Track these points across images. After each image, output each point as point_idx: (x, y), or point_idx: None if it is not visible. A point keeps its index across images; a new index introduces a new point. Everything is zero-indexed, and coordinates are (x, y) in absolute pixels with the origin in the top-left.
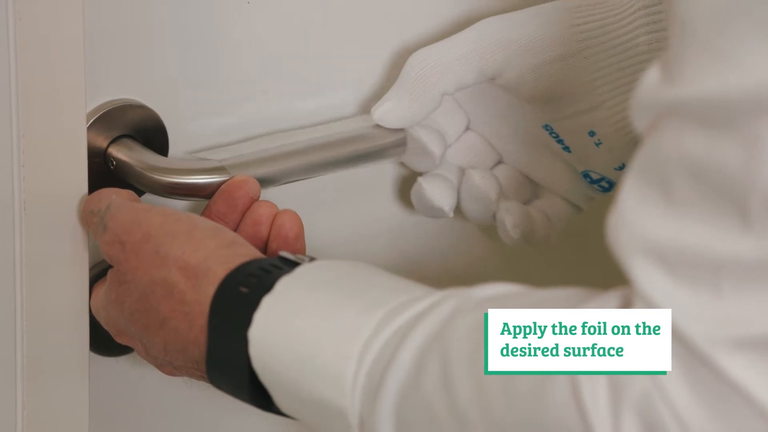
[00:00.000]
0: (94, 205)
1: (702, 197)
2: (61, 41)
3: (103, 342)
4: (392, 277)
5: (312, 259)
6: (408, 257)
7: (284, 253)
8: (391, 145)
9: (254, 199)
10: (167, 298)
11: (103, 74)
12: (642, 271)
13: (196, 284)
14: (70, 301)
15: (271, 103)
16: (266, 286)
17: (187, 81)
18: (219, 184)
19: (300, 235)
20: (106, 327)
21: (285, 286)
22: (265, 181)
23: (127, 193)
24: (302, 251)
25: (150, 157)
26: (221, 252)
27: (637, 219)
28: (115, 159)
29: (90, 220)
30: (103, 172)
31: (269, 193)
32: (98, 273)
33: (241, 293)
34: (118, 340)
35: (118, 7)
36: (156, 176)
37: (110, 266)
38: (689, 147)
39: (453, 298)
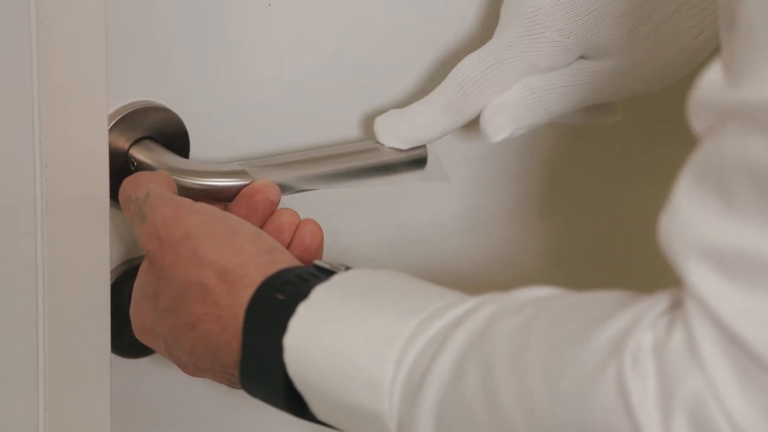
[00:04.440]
0: (131, 192)
1: (763, 202)
2: (83, 43)
3: (124, 344)
4: (427, 284)
5: (347, 268)
6: (431, 263)
7: (319, 262)
8: (412, 159)
9: (274, 204)
10: (201, 301)
11: (125, 76)
12: (697, 274)
13: (231, 289)
14: (92, 303)
15: (295, 105)
16: (302, 294)
17: (209, 83)
18: (239, 188)
19: (320, 245)
20: (132, 320)
21: (321, 293)
22: (285, 187)
23: (164, 179)
24: (320, 259)
25: (171, 159)
26: (259, 258)
27: (693, 221)
28: (137, 161)
29: (127, 206)
30: (125, 174)
31: (290, 198)
32: (120, 274)
33: (278, 300)
34: (139, 336)
35: (140, 8)
36: (177, 178)
37: (130, 267)
38: (753, 152)
39: (491, 303)
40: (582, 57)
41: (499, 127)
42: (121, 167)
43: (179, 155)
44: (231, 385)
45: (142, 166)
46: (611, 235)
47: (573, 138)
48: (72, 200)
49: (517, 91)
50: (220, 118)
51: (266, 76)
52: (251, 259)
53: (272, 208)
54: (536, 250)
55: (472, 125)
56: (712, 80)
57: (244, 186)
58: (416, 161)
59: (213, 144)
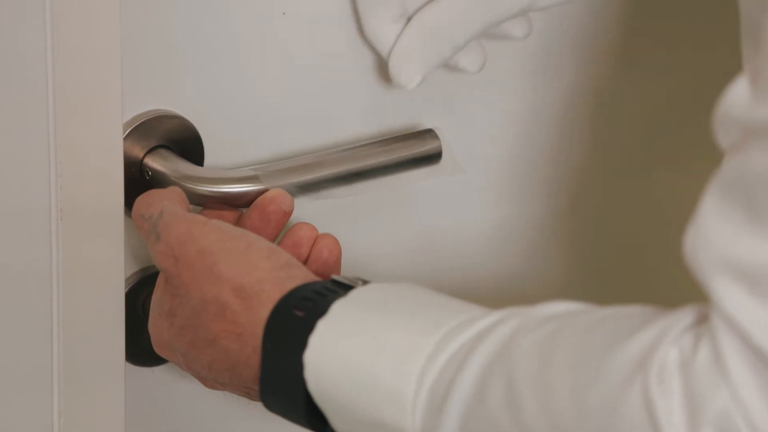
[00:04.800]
0: (145, 209)
1: None
2: (98, 51)
3: (138, 352)
4: (448, 298)
5: (365, 282)
6: (453, 275)
7: (337, 277)
8: (426, 153)
9: (288, 214)
10: (219, 318)
11: (140, 85)
12: (724, 290)
13: (249, 306)
14: (106, 311)
15: (307, 111)
16: (321, 310)
17: (223, 92)
18: (253, 193)
19: (338, 259)
20: (150, 335)
21: (340, 308)
22: (300, 190)
23: (177, 195)
24: (338, 274)
25: (185, 167)
26: (276, 274)
27: (720, 237)
28: (151, 169)
29: (141, 224)
30: (139, 182)
31: (307, 210)
32: (134, 283)
33: (296, 316)
34: (158, 351)
35: (155, 17)
36: (191, 186)
37: (145, 276)
38: None
39: (514, 318)
40: None
41: (411, 73)
42: (135, 176)
43: (193, 163)
44: (250, 397)
45: (156, 175)
46: (638, 250)
47: (603, 150)
48: (87, 209)
49: (415, 33)
50: (234, 125)
51: (279, 84)
52: (267, 274)
53: (286, 218)
54: (561, 263)
55: (493, 131)
56: (737, 96)
57: (259, 191)
58: (431, 156)
59: (227, 151)
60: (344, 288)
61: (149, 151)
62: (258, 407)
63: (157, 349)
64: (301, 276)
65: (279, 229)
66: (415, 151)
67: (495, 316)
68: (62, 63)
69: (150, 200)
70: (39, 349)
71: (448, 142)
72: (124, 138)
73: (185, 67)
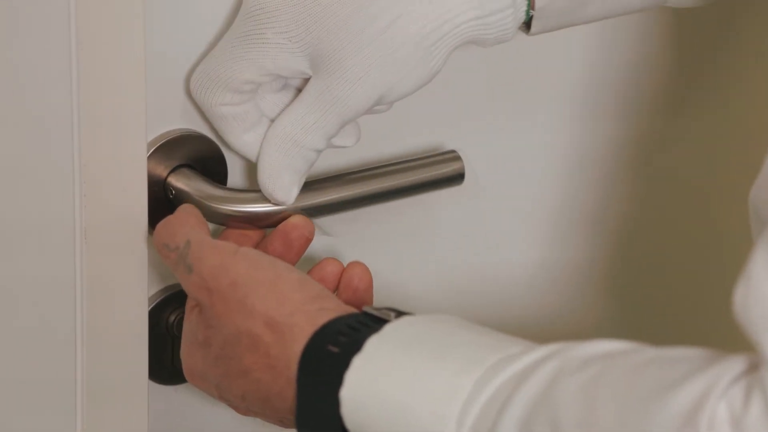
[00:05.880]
0: (169, 240)
1: None
2: (122, 71)
3: (162, 370)
4: (482, 331)
5: (398, 314)
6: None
7: (369, 309)
8: (448, 175)
9: (309, 240)
10: (252, 350)
11: (164, 104)
12: None
13: (281, 339)
14: (130, 329)
15: None
16: (356, 346)
17: None
18: (275, 214)
19: (370, 286)
20: (183, 364)
21: (375, 345)
22: (321, 209)
23: (197, 221)
24: (370, 302)
25: (208, 187)
26: (307, 307)
27: None
28: (174, 188)
29: (166, 254)
30: (162, 201)
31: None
32: (158, 301)
33: (331, 353)
34: (190, 380)
35: (179, 36)
36: (214, 205)
37: (168, 294)
38: None
39: (554, 358)
40: (312, 72)
41: (285, 189)
42: (159, 195)
43: (216, 182)
44: (283, 425)
45: (179, 194)
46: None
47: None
48: (111, 228)
49: (275, 148)
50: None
51: None
52: (299, 307)
53: (307, 244)
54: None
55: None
56: None
57: (281, 212)
58: (453, 177)
59: (250, 170)
60: (377, 321)
61: (173, 170)
62: (278, 428)
63: (189, 379)
64: (333, 308)
65: (300, 255)
66: (436, 173)
67: (533, 355)
68: (87, 82)
69: (172, 230)
70: (63, 368)
71: (471, 164)
72: (148, 157)
73: None
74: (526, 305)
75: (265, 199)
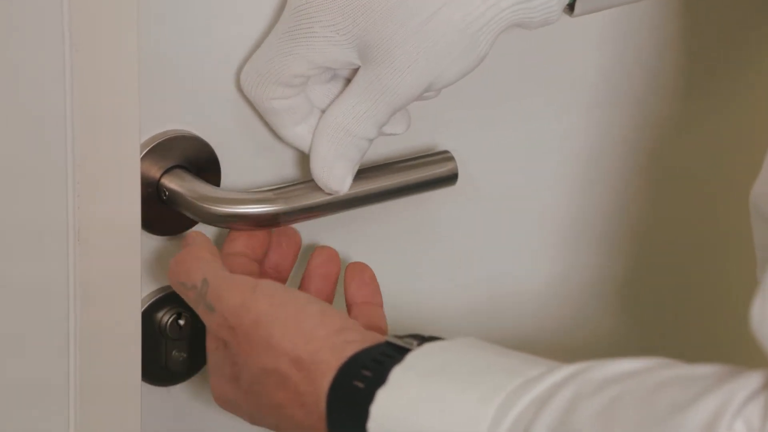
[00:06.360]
0: (185, 278)
1: None
2: (116, 72)
3: (154, 372)
4: (501, 352)
5: (420, 341)
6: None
7: (392, 339)
8: (440, 176)
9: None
10: (281, 387)
11: (157, 105)
12: None
13: (308, 376)
14: (123, 330)
15: None
16: (380, 379)
17: (241, 112)
18: (269, 215)
19: (373, 279)
20: (213, 392)
21: (398, 377)
22: (316, 211)
23: (209, 254)
24: (378, 296)
25: (202, 187)
26: (332, 341)
27: None
28: (168, 189)
29: (184, 293)
30: (156, 202)
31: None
32: (151, 302)
33: (357, 388)
34: (221, 405)
35: (172, 38)
36: (208, 206)
37: (161, 296)
38: None
39: (572, 381)
40: (360, 62)
41: (339, 179)
42: (152, 196)
43: (210, 183)
44: None
45: (173, 195)
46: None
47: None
48: (104, 229)
49: (327, 139)
50: (251, 146)
51: None
52: (323, 343)
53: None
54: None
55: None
56: None
57: (276, 212)
58: (446, 178)
59: (243, 171)
60: (400, 351)
61: (166, 171)
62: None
63: (220, 405)
64: (358, 339)
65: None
66: (429, 173)
67: (553, 377)
68: (80, 83)
69: (187, 268)
70: (55, 368)
71: (465, 165)
72: (141, 158)
73: (202, 88)
74: (526, 305)
75: (259, 201)
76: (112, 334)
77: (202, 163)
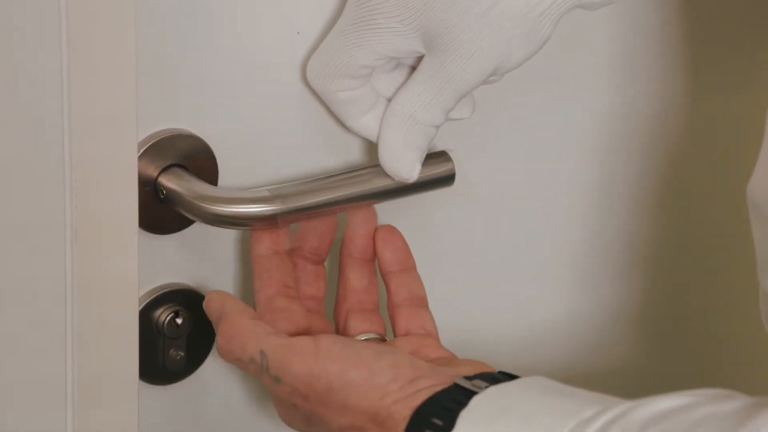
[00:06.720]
0: (241, 354)
1: None
2: (114, 72)
3: (152, 370)
4: (562, 391)
5: (487, 382)
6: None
7: (461, 381)
8: (437, 176)
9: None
10: None
11: (155, 104)
12: None
13: (385, 428)
14: (120, 329)
15: (323, 132)
16: (450, 427)
17: (238, 111)
18: (268, 214)
19: (404, 242)
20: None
21: (464, 423)
22: (315, 210)
23: (256, 324)
24: (411, 258)
25: (200, 186)
26: (405, 391)
27: None
28: (165, 188)
29: (244, 367)
30: (153, 201)
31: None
32: (148, 301)
33: None
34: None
35: (170, 37)
36: (205, 205)
37: (159, 295)
38: None
39: (618, 423)
40: (425, 50)
41: (409, 167)
42: (149, 195)
43: (207, 182)
44: None
45: (170, 194)
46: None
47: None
48: (101, 228)
49: (395, 127)
50: (248, 145)
51: (294, 104)
52: (398, 397)
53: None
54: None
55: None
56: None
57: (273, 211)
58: (443, 179)
59: (241, 170)
60: (468, 394)
61: (163, 170)
62: (273, 425)
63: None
64: (429, 386)
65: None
66: (426, 174)
67: (604, 417)
68: (77, 82)
69: (240, 344)
70: (53, 368)
71: (462, 165)
72: (139, 157)
73: (200, 87)
74: (525, 304)
75: (257, 200)
76: (109, 333)
77: (200, 161)
